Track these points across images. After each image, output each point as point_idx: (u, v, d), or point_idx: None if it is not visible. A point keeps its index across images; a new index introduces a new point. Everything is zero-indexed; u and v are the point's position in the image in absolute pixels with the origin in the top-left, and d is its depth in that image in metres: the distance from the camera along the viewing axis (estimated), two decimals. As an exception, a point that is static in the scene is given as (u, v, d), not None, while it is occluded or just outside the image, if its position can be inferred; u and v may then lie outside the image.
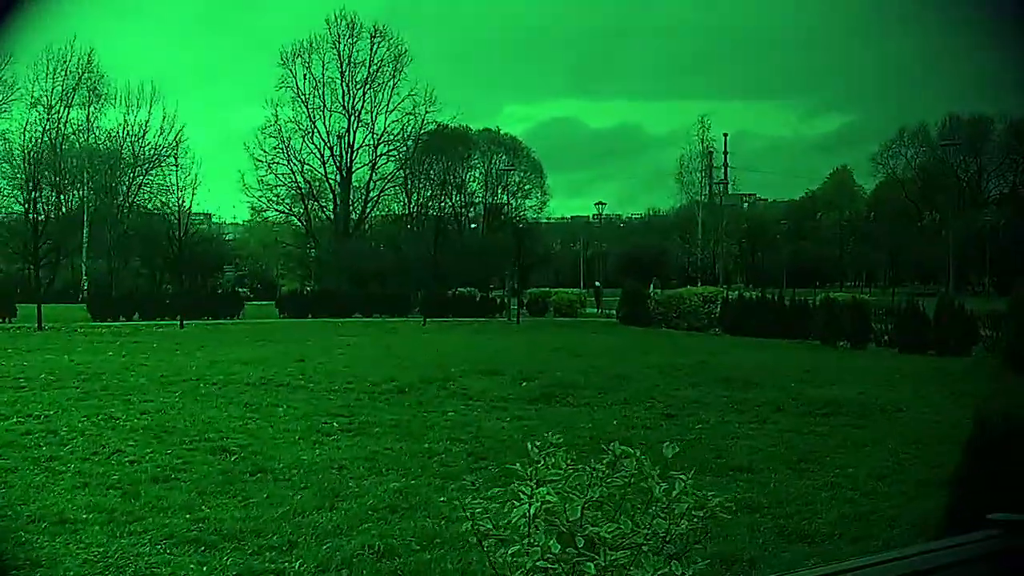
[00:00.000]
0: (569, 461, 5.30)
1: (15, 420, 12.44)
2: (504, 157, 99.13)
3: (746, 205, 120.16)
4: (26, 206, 55.10)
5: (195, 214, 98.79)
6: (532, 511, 4.85)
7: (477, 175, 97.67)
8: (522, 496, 4.99)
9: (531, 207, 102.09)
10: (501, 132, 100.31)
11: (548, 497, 4.92)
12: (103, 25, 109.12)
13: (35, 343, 26.53)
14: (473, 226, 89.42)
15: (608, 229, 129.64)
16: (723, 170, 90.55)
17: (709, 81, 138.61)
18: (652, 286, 48.71)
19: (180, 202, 55.57)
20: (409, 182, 74.30)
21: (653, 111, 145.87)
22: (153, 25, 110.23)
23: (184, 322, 36.72)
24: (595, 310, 53.64)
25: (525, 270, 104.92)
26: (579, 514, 4.89)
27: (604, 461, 5.31)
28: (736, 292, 38.03)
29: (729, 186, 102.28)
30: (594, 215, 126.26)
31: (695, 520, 5.12)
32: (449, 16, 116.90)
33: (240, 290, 71.01)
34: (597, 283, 61.34)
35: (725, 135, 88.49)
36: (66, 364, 19.80)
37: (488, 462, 10.56)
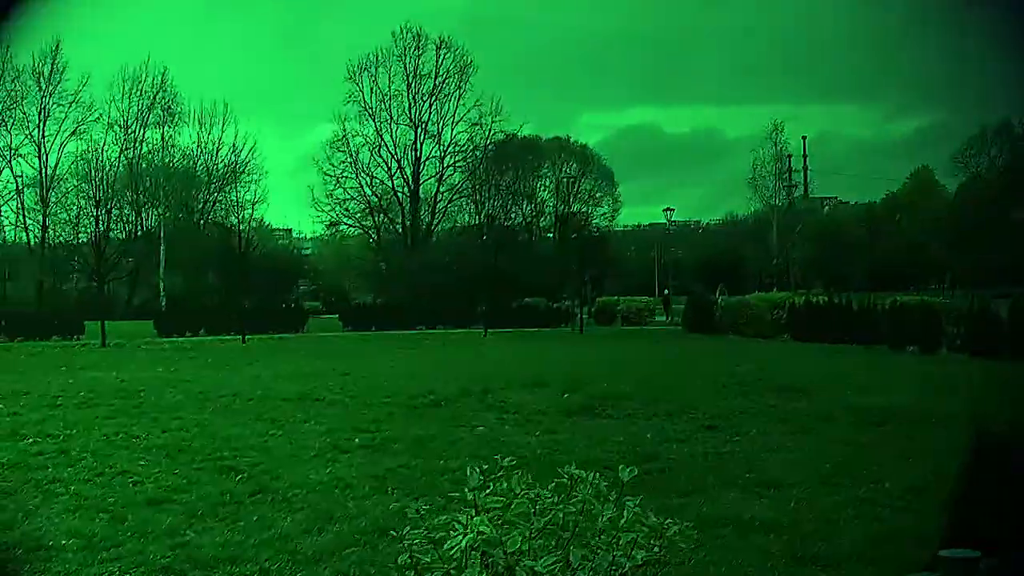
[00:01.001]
0: (524, 486, 4.92)
1: (31, 440, 12.33)
2: (574, 165, 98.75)
3: (826, 208, 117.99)
4: (98, 226, 55.99)
5: (275, 229, 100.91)
6: (465, 543, 4.48)
7: (547, 184, 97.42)
8: (457, 526, 4.63)
9: (602, 215, 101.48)
10: (571, 140, 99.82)
11: (482, 528, 4.55)
12: (175, 46, 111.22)
13: (92, 360, 26.80)
14: (549, 235, 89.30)
15: (685, 236, 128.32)
16: (802, 174, 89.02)
17: (788, 83, 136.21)
18: (719, 293, 47.89)
19: (239, 218, 55.90)
20: (477, 193, 74.24)
21: (732, 115, 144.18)
22: (224, 44, 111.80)
23: (247, 337, 36.92)
24: (663, 318, 52.93)
25: (598, 279, 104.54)
26: (518, 545, 4.51)
27: (557, 486, 4.95)
28: (803, 297, 37.06)
29: (809, 189, 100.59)
30: (671, 222, 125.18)
31: (654, 550, 4.72)
32: (522, 27, 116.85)
33: (312, 304, 71.67)
34: (666, 291, 60.48)
35: (804, 138, 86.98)
36: (110, 381, 19.86)
37: (502, 481, 10.14)
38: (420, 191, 71.58)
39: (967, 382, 19.84)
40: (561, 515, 4.66)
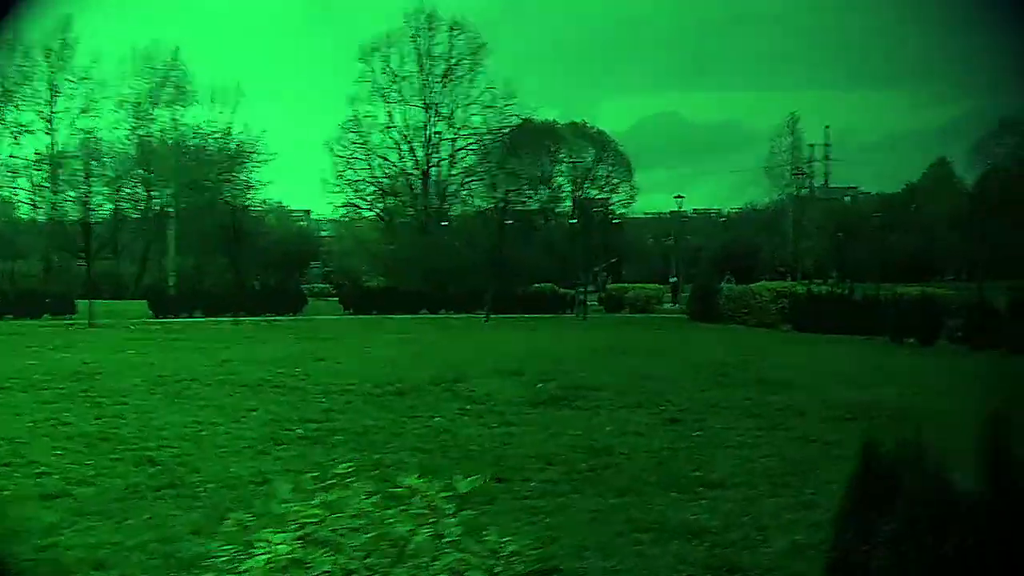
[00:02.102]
0: (361, 496, 4.43)
1: (-47, 426, 11.93)
2: (591, 151, 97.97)
3: (848, 199, 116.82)
4: (86, 204, 55.43)
5: (294, 211, 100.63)
6: (264, 563, 4.01)
7: (564, 169, 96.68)
8: (261, 545, 4.18)
9: (619, 201, 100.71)
10: (588, 125, 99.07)
11: (281, 548, 4.08)
12: (187, 25, 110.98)
13: (71, 340, 26.40)
14: (572, 221, 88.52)
15: (704, 224, 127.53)
16: (824, 163, 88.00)
17: (816, 71, 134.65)
18: (725, 281, 47.24)
19: (241, 198, 55.45)
20: (489, 176, 73.59)
21: (758, 103, 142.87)
22: (237, 23, 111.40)
23: (241, 319, 36.53)
24: (671, 305, 52.34)
25: (616, 266, 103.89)
26: (326, 567, 4.04)
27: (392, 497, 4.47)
28: (806, 287, 36.37)
29: (829, 179, 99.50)
30: (681, 210, 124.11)
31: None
32: (546, 11, 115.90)
33: (322, 286, 71.29)
34: (673, 279, 59.81)
35: (827, 127, 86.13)
36: (72, 364, 19.42)
37: (436, 477, 9.64)
38: (431, 174, 71.00)
39: (957, 376, 19.27)
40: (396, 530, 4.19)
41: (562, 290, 53.08)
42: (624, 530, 7.83)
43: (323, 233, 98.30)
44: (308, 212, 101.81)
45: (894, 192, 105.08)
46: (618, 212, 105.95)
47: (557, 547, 7.14)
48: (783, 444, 11.87)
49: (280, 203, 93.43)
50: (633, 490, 9.30)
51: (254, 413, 13.51)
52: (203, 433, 11.85)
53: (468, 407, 14.60)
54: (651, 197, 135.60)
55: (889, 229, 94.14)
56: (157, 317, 39.30)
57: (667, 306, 52.45)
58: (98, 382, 16.42)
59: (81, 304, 34.69)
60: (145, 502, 8.45)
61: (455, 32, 69.88)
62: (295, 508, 4.24)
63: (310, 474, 4.32)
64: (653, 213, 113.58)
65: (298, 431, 12.11)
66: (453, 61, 70.39)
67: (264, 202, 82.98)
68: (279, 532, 4.09)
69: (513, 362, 20.64)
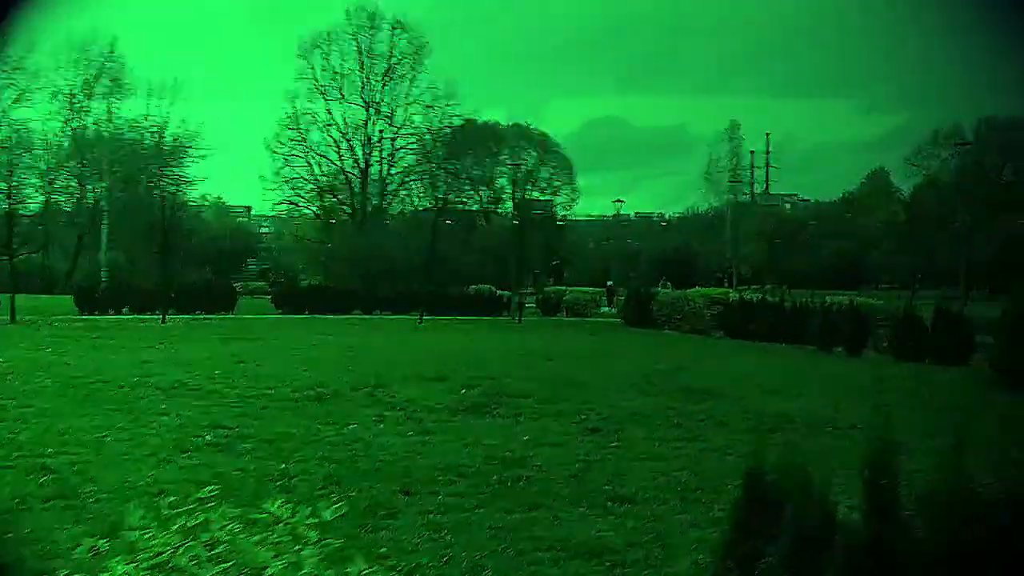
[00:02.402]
0: (224, 520, 4.22)
1: None
2: (533, 153, 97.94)
3: (788, 206, 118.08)
4: (10, 197, 54.27)
5: (233, 207, 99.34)
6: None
7: (505, 170, 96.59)
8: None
9: (560, 203, 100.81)
10: (531, 127, 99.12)
11: (126, 576, 3.87)
12: (126, 17, 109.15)
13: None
14: (514, 222, 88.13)
15: (647, 228, 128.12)
16: (765, 169, 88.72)
17: (761, 80, 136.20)
18: (661, 286, 47.37)
19: (170, 193, 54.61)
20: (430, 176, 73.31)
21: (704, 109, 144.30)
22: (179, 16, 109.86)
23: (170, 317, 35.92)
24: (607, 309, 52.39)
25: (557, 268, 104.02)
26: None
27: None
28: (738, 294, 36.53)
29: (770, 186, 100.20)
30: (636, 213, 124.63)
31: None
32: (500, 13, 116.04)
33: (258, 284, 70.45)
34: (608, 282, 59.89)
35: (768, 134, 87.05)
36: (-19, 363, 18.89)
37: (340, 488, 9.43)
38: (371, 172, 70.57)
39: (875, 387, 19.32)
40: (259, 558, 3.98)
41: (499, 292, 52.94)
42: (525, 549, 7.66)
43: (263, 230, 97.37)
44: (249, 209, 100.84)
45: (831, 200, 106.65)
46: (560, 215, 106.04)
47: (451, 568, 6.96)
48: (700, 457, 11.76)
49: (220, 199, 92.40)
50: (542, 504, 9.13)
51: (164, 418, 13.14)
52: (107, 439, 11.47)
53: (386, 414, 14.33)
54: (596, 200, 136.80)
55: (826, 237, 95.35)
56: (84, 314, 38.50)
57: (604, 310, 52.48)
58: (6, 383, 15.94)
59: (2, 299, 33.93)
60: (23, 515, 8.10)
61: (397, 31, 69.55)
62: (149, 535, 4.03)
63: (169, 498, 4.12)
64: (597, 216, 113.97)
65: (207, 437, 11.79)
66: (394, 60, 70.04)
67: (203, 198, 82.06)
68: (128, 563, 3.88)
69: (439, 367, 20.40)
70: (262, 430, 12.47)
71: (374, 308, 47.23)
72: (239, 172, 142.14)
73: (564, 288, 59.69)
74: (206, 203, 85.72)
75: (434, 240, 42.26)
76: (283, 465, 10.36)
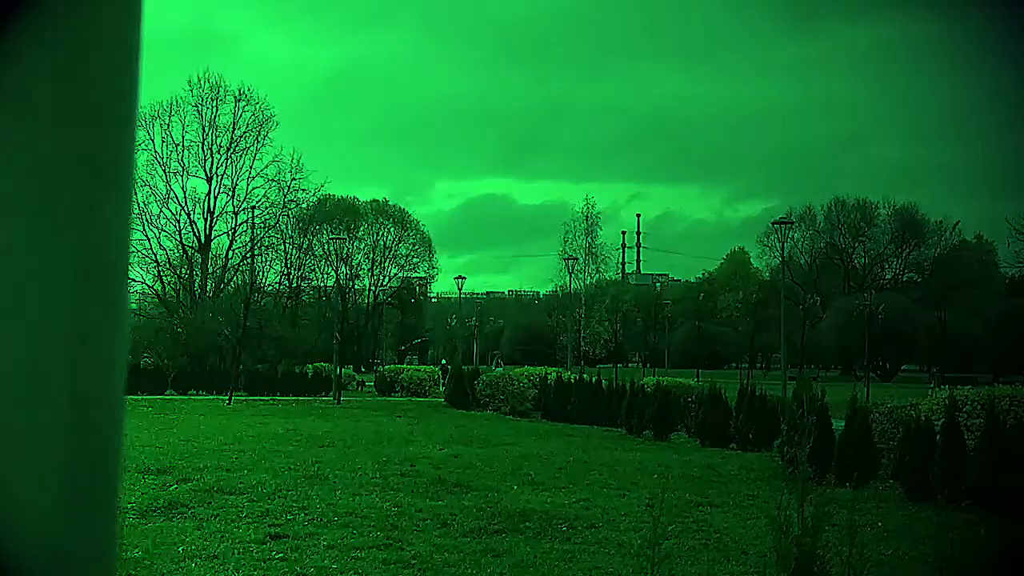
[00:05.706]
0: None
1: None
2: (391, 229, 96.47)
3: (658, 285, 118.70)
4: None
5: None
6: None
7: (362, 246, 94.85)
8: None
9: (418, 280, 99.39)
10: (389, 203, 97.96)
11: None
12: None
13: None
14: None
15: (516, 306, 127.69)
16: (636, 250, 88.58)
17: (638, 163, 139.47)
18: (494, 364, 45.69)
19: None
20: (272, 252, 71.03)
21: (583, 190, 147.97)
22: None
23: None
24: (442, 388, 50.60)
25: (422, 346, 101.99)
26: None
27: None
28: (555, 374, 34.86)
29: (641, 265, 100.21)
30: (509, 291, 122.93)
31: None
32: (390, 93, 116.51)
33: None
34: (443, 360, 58.05)
35: (638, 216, 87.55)
36: None
37: None
38: (211, 248, 67.85)
39: (671, 475, 17.70)
40: None
41: (341, 370, 50.77)
42: None
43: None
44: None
45: (695, 280, 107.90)
46: (420, 292, 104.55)
47: None
48: (379, 571, 9.79)
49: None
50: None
51: None
52: None
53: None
54: (477, 278, 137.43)
55: (690, 316, 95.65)
56: None
57: (442, 389, 50.69)
58: None
59: None
60: None
61: (241, 103, 67.44)
62: None
63: None
64: (468, 293, 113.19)
65: None
66: (238, 133, 67.82)
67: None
68: None
69: (176, 456, 18.24)
70: None
71: (192, 387, 44.58)
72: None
73: (404, 366, 57.63)
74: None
75: (246, 317, 39.84)
76: None
